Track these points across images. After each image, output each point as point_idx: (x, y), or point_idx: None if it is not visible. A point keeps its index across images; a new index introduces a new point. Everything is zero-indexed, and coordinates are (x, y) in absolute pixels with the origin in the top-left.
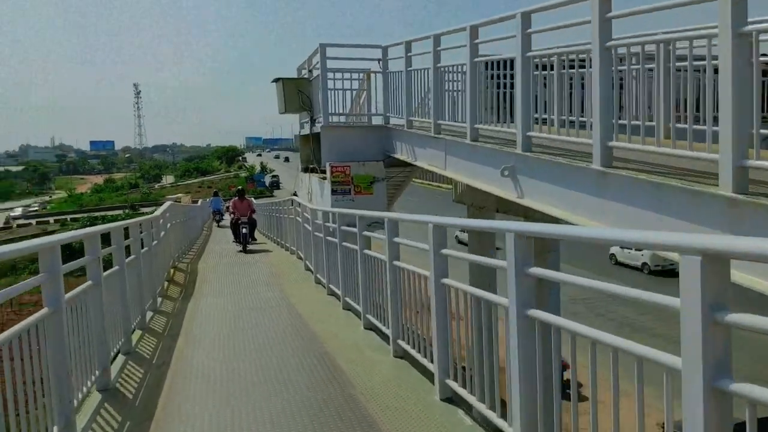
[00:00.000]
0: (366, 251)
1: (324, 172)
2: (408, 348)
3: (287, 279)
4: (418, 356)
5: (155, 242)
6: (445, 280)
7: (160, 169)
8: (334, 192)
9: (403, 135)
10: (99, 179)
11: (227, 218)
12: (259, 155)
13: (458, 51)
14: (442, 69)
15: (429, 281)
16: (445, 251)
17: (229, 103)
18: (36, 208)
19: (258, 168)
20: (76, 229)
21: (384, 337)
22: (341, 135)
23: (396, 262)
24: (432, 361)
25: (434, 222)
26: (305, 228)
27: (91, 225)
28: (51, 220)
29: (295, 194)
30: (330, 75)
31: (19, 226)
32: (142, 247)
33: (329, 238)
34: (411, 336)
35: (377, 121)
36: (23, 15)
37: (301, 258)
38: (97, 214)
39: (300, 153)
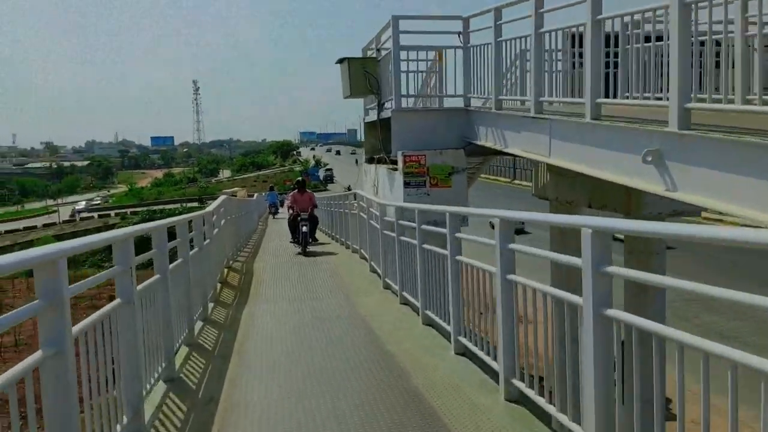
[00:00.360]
0: (459, 257)
1: (394, 162)
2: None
3: (352, 283)
4: (562, 417)
5: (207, 241)
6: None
7: (218, 164)
8: (407, 185)
9: (488, 118)
10: (159, 174)
11: (282, 211)
12: (313, 149)
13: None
14: (548, 34)
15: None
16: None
17: (285, 98)
18: (98, 202)
19: (312, 162)
20: (136, 222)
21: (492, 372)
22: (415, 120)
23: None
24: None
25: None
26: (371, 225)
27: (150, 219)
28: (112, 213)
29: (349, 188)
30: (402, 55)
31: (82, 219)
32: (191, 249)
33: (403, 238)
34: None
35: (451, 104)
36: (86, 15)
37: (365, 258)
38: (155, 207)
39: (365, 142)
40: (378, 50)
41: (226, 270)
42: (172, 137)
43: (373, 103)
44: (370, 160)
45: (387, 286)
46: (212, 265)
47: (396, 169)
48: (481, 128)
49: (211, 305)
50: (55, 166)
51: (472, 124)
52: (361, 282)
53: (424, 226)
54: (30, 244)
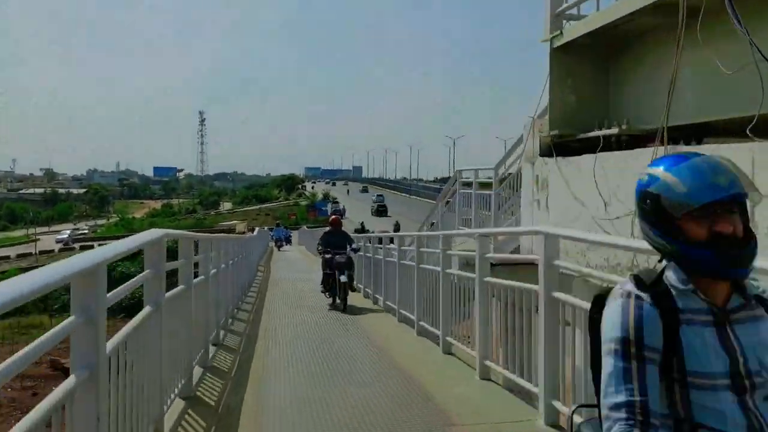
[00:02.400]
0: None
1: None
2: None
3: (419, 372)
4: None
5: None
6: None
7: (219, 196)
8: None
9: None
10: (158, 204)
11: (287, 247)
12: (313, 185)
13: None
14: None
15: None
16: None
17: (288, 134)
18: (85, 231)
19: (319, 195)
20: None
21: None
22: None
23: None
24: None
25: None
26: (446, 279)
27: (136, 252)
28: (95, 244)
29: (362, 226)
30: None
31: (62, 249)
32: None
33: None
34: None
35: None
36: (92, 42)
37: (411, 325)
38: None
39: (551, 103)
40: None
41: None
42: (175, 168)
43: None
44: (558, 150)
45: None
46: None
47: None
48: None
49: None
50: (50, 192)
51: None
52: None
53: None
54: None
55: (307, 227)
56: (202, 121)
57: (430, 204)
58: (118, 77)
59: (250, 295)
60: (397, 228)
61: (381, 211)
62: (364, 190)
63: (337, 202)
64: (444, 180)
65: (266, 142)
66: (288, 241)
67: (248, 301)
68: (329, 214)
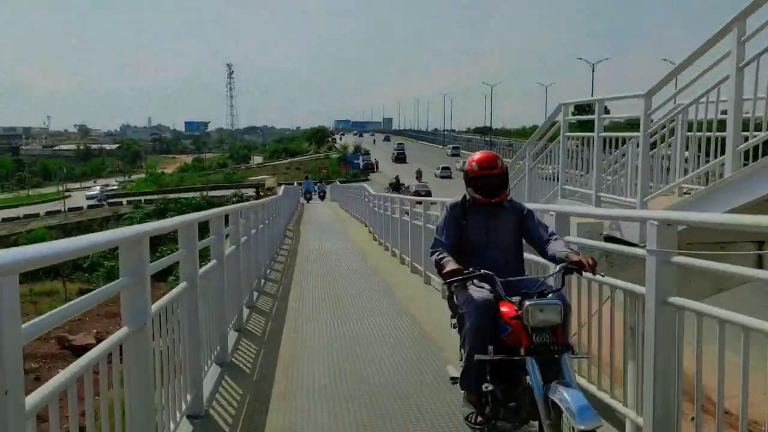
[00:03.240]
0: None
1: None
2: None
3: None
4: None
5: None
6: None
7: (249, 150)
8: None
9: None
10: (189, 159)
11: (317, 202)
12: (342, 136)
13: None
14: None
15: None
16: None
17: (320, 87)
18: (116, 187)
19: (351, 148)
20: (151, 212)
21: None
22: None
23: None
24: None
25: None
26: None
27: (164, 208)
28: (124, 201)
29: (396, 180)
30: None
31: (90, 207)
32: None
33: None
34: None
35: None
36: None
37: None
38: (172, 196)
39: None
40: None
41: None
42: (207, 122)
43: None
44: None
45: None
46: None
47: None
48: None
49: None
50: (83, 148)
51: None
52: None
53: None
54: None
55: (339, 182)
56: (231, 73)
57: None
58: (149, 34)
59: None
60: (418, 174)
61: (400, 158)
62: (386, 139)
63: (368, 154)
64: (480, 130)
65: (296, 96)
66: (322, 196)
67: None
68: (361, 167)
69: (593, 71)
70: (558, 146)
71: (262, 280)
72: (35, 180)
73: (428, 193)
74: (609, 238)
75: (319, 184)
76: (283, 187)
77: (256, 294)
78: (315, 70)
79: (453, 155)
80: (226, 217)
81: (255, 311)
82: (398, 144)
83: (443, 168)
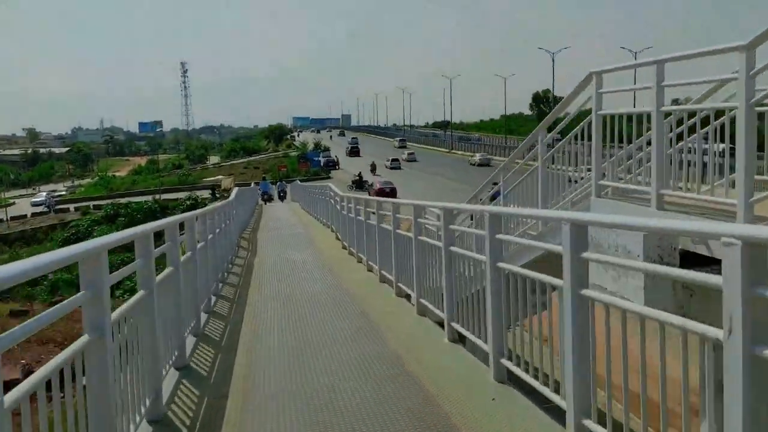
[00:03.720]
0: None
1: None
2: None
3: None
4: None
5: None
6: None
7: (206, 150)
8: None
9: None
10: (144, 161)
11: (277, 204)
12: (299, 133)
13: None
14: None
15: None
16: None
17: (277, 85)
18: (63, 193)
19: (310, 145)
20: (99, 218)
21: None
22: None
23: None
24: None
25: None
26: None
27: (114, 215)
28: (71, 207)
29: (359, 176)
30: None
31: (34, 215)
32: None
33: None
34: None
35: None
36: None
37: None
38: (123, 200)
39: None
40: None
41: None
42: (161, 122)
43: None
44: None
45: None
46: None
47: None
48: None
49: None
50: (31, 152)
51: None
52: None
53: None
54: None
55: (300, 180)
56: (185, 72)
57: (411, 146)
58: (102, 31)
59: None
60: (373, 167)
61: (354, 151)
62: (341, 134)
63: (328, 150)
64: (439, 124)
65: (254, 95)
66: (282, 196)
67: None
68: (322, 164)
69: (553, 61)
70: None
71: (202, 321)
72: None
73: (393, 190)
74: (686, 255)
75: (279, 183)
76: (235, 189)
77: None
78: (273, 69)
79: (400, 147)
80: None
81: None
82: (352, 138)
83: (392, 160)
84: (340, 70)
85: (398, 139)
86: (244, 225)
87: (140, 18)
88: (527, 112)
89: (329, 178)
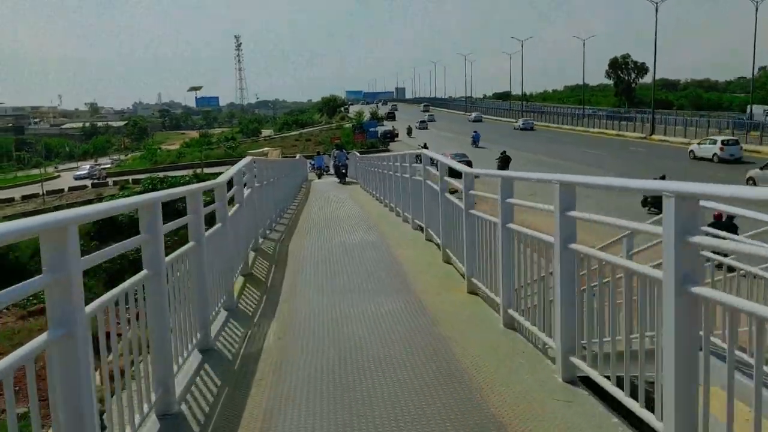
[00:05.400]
0: None
1: None
2: None
3: None
4: None
5: None
6: None
7: (260, 124)
8: None
9: None
10: (197, 134)
11: (325, 181)
12: (350, 105)
13: None
14: None
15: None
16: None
17: (331, 59)
18: (109, 165)
19: (366, 115)
20: (136, 192)
21: None
22: None
23: None
24: None
25: None
26: None
27: (151, 189)
28: (110, 181)
29: (425, 146)
30: None
31: (71, 188)
32: None
33: None
34: None
35: None
36: None
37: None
38: (163, 174)
39: None
40: None
41: None
42: (217, 98)
43: None
44: None
45: None
46: None
47: None
48: None
49: None
50: (89, 126)
51: None
52: None
53: None
54: None
55: (359, 153)
56: (239, 45)
57: (452, 115)
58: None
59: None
60: (408, 130)
61: (390, 115)
62: (384, 104)
63: (388, 118)
64: (500, 96)
65: (308, 70)
66: (344, 172)
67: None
68: (379, 135)
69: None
70: None
71: None
72: (35, 160)
73: (469, 164)
74: None
75: (336, 152)
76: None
77: None
78: (328, 40)
79: (424, 111)
80: None
81: None
82: (392, 105)
83: (420, 122)
84: (394, 40)
85: (423, 105)
86: (275, 216)
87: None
88: (593, 82)
89: (388, 150)
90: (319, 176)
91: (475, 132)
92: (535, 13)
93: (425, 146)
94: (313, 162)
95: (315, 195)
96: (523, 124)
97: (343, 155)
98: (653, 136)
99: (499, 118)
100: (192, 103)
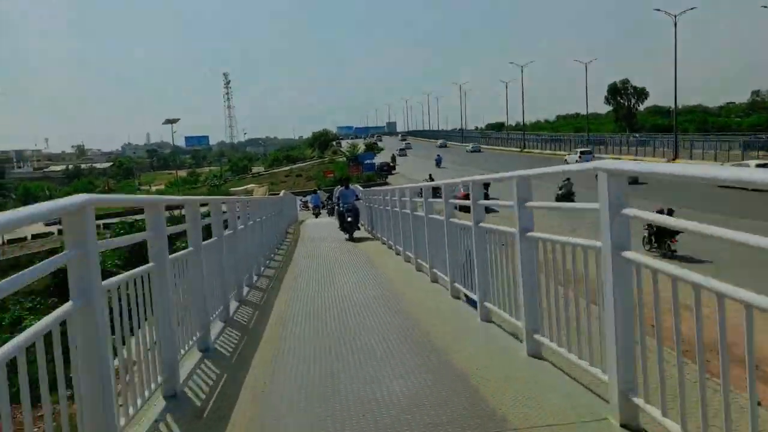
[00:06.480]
0: None
1: None
2: None
3: None
4: None
5: None
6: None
7: (250, 161)
8: None
9: None
10: (186, 173)
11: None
12: (340, 141)
13: None
14: None
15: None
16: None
17: (319, 95)
18: None
19: (362, 147)
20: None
21: None
22: None
23: None
24: None
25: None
26: None
27: (123, 234)
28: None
29: (430, 178)
30: None
31: (35, 236)
32: None
33: None
34: None
35: None
36: (108, 19)
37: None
38: (138, 216)
39: None
40: None
41: None
42: (207, 137)
43: None
44: None
45: None
46: None
47: None
48: None
49: None
50: (72, 168)
51: None
52: None
53: None
54: None
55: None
56: (227, 83)
57: (422, 142)
58: (145, 50)
59: None
60: (392, 159)
61: (372, 146)
62: (379, 139)
63: (381, 150)
64: (493, 126)
65: (297, 106)
66: (352, 221)
67: None
68: (375, 168)
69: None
70: None
71: None
72: (10, 205)
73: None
74: None
75: (342, 190)
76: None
77: None
78: (318, 77)
79: (402, 140)
80: None
81: None
82: (377, 136)
83: (400, 150)
84: (384, 76)
85: (440, 141)
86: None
87: (188, 26)
88: (582, 110)
89: (387, 184)
90: (316, 215)
91: (438, 155)
92: (522, 43)
93: (431, 177)
94: (307, 199)
95: (306, 247)
96: (472, 147)
97: (352, 193)
98: (528, 150)
99: (493, 147)
100: (182, 143)
